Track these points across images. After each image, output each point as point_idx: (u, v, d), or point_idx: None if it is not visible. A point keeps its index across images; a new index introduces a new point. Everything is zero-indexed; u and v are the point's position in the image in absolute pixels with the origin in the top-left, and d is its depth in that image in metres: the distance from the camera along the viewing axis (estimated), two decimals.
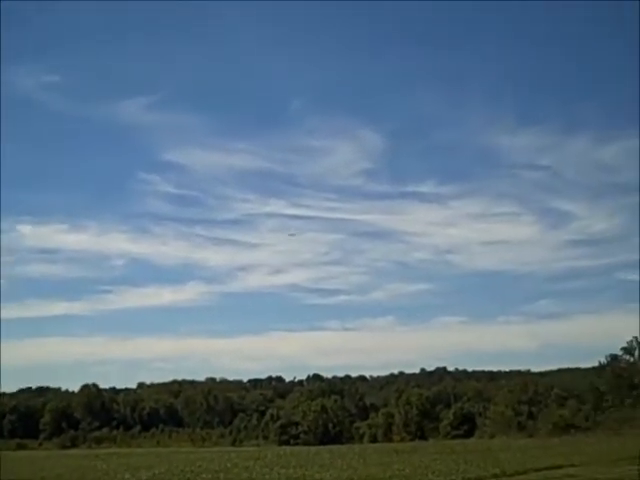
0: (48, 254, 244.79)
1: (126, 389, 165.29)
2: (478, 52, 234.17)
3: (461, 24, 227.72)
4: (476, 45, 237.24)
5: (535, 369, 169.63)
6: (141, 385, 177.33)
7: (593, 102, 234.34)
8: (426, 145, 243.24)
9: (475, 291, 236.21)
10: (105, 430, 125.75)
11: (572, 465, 39.95)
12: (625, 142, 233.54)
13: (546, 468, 38.61)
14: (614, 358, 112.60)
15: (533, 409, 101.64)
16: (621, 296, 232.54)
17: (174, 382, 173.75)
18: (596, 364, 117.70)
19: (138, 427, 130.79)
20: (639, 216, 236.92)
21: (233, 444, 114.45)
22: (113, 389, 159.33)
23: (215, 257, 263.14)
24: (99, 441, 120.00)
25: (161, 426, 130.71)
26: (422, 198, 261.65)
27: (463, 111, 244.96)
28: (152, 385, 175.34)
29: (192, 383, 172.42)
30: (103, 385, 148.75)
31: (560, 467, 39.06)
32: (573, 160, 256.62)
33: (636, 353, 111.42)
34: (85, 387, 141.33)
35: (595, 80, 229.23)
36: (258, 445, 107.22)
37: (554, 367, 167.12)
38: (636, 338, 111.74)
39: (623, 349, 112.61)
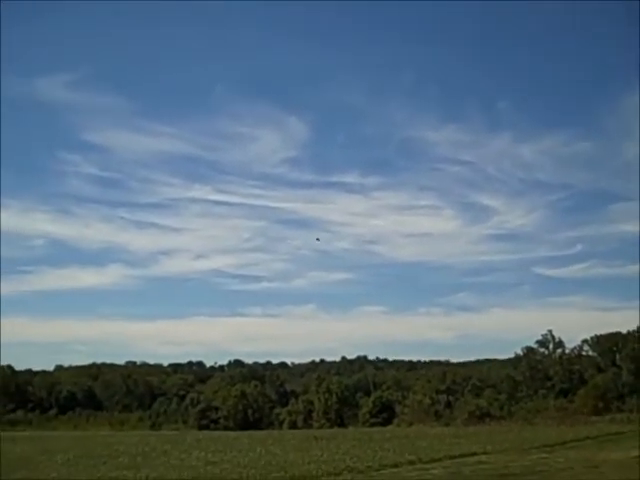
0: None
1: (43, 372, 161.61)
2: (400, 47, 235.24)
3: (386, 18, 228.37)
4: (400, 40, 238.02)
5: (453, 360, 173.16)
6: (59, 368, 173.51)
7: (512, 103, 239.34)
8: (350, 136, 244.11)
9: (396, 282, 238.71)
10: (20, 413, 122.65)
11: (485, 453, 40.93)
12: (542, 142, 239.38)
13: (460, 455, 39.44)
14: (530, 350, 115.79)
15: (450, 398, 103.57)
16: (537, 291, 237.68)
17: (93, 365, 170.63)
18: (512, 356, 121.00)
19: (55, 410, 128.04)
20: (556, 213, 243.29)
21: (152, 428, 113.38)
22: (29, 371, 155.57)
23: (137, 241, 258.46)
24: (14, 424, 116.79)
25: (78, 409, 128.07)
26: (346, 188, 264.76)
27: (386, 104, 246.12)
28: (70, 368, 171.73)
29: (111, 366, 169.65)
30: (19, 367, 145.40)
31: (474, 454, 39.99)
32: (494, 157, 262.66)
33: (550, 346, 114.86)
34: None
35: (514, 82, 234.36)
36: (177, 429, 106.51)
37: (472, 358, 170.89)
38: (551, 332, 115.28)
39: (538, 342, 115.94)
